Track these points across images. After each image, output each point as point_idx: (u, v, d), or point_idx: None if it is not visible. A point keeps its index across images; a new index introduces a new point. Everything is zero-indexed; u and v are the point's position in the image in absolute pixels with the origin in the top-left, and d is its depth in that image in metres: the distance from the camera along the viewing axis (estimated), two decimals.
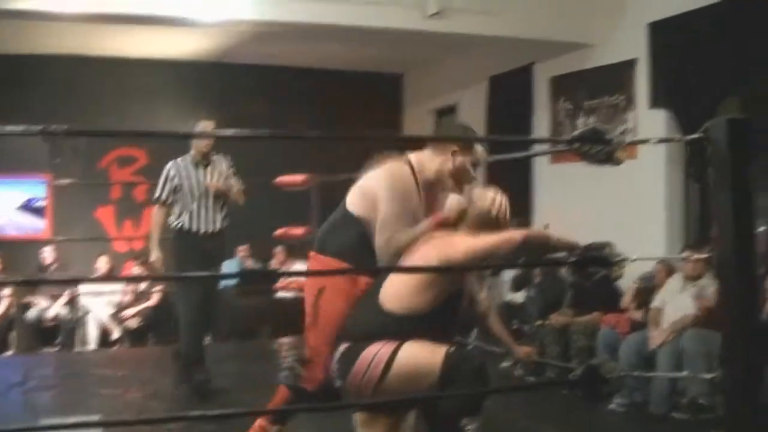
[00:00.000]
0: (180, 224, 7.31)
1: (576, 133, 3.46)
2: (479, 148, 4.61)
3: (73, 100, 11.15)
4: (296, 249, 11.19)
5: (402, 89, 13.59)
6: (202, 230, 7.31)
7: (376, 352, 4.02)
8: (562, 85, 10.31)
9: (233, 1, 8.15)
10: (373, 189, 4.41)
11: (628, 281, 8.28)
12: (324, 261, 4.46)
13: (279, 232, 7.76)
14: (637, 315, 8.04)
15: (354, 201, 4.47)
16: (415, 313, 4.10)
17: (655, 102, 8.71)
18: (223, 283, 10.96)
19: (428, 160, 4.51)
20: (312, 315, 4.43)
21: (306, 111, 11.71)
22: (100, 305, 10.74)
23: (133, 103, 11.56)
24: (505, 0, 9.10)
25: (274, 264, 11.67)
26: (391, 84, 13.36)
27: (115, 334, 10.71)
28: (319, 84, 12.29)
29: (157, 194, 7.40)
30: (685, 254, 7.73)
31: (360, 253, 4.36)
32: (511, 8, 9.14)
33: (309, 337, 4.45)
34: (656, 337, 7.37)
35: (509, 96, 10.92)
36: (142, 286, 10.99)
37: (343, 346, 4.10)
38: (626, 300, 8.31)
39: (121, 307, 10.85)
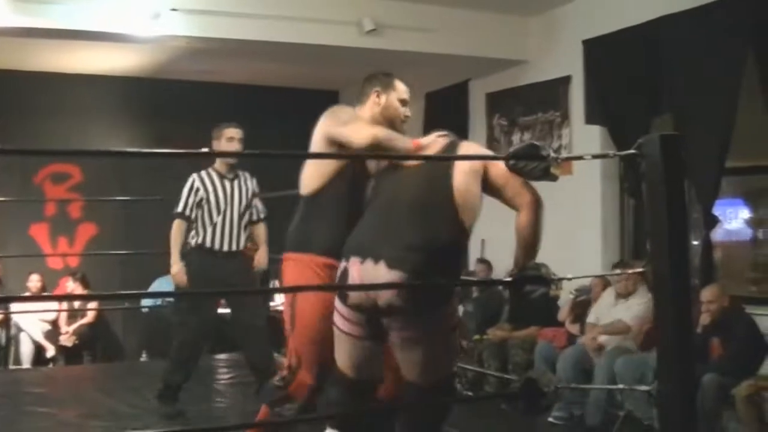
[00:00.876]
0: (199, 240, 6.90)
1: (512, 149, 3.49)
2: (400, 84, 4.60)
3: (6, 116, 11.00)
4: None
5: None
6: (225, 248, 6.90)
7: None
8: (497, 102, 10.39)
9: (168, 16, 8.10)
10: (314, 142, 4.43)
11: (564, 294, 8.37)
12: (303, 259, 4.41)
13: None
14: (574, 329, 8.12)
15: (304, 181, 4.47)
16: None
17: (590, 118, 8.79)
18: (160, 300, 10.89)
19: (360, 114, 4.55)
20: (289, 320, 4.40)
21: (242, 128, 11.65)
22: (34, 323, 10.58)
23: (67, 119, 11.42)
24: (440, 17, 9.16)
25: None
26: (327, 101, 13.16)
27: (50, 352, 10.56)
28: (256, 101, 12.24)
29: (179, 208, 6.91)
30: (617, 271, 7.83)
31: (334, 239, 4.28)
32: (446, 25, 9.21)
33: (290, 342, 4.41)
34: (593, 343, 7.46)
35: (445, 112, 10.97)
36: (77, 303, 10.86)
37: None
38: (563, 313, 8.39)
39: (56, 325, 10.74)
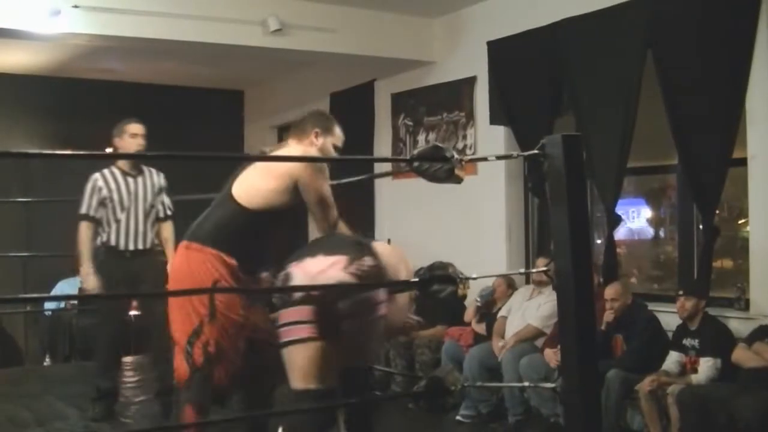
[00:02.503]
0: (104, 239, 6.71)
1: (416, 151, 3.49)
2: (338, 130, 4.93)
3: None
4: None
5: (243, 106, 13.54)
6: (131, 247, 6.73)
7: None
8: (402, 102, 10.41)
9: (69, 13, 7.95)
10: (276, 168, 4.57)
11: (470, 294, 8.44)
12: (208, 251, 4.54)
13: None
14: (480, 328, 8.18)
15: (251, 192, 4.59)
16: None
17: (494, 119, 8.85)
18: (63, 303, 10.72)
19: (294, 150, 4.79)
20: (206, 310, 4.47)
21: (145, 128, 11.53)
22: None
23: None
24: (345, 17, 9.15)
25: None
26: (232, 101, 13.29)
27: None
28: (159, 100, 12.12)
29: (83, 209, 6.68)
30: (521, 270, 7.91)
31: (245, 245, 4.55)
32: (351, 25, 9.20)
33: (207, 332, 4.48)
34: (500, 349, 7.52)
35: (350, 112, 10.94)
36: None
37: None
38: (469, 315, 8.44)
39: None
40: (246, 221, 4.57)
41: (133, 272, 6.69)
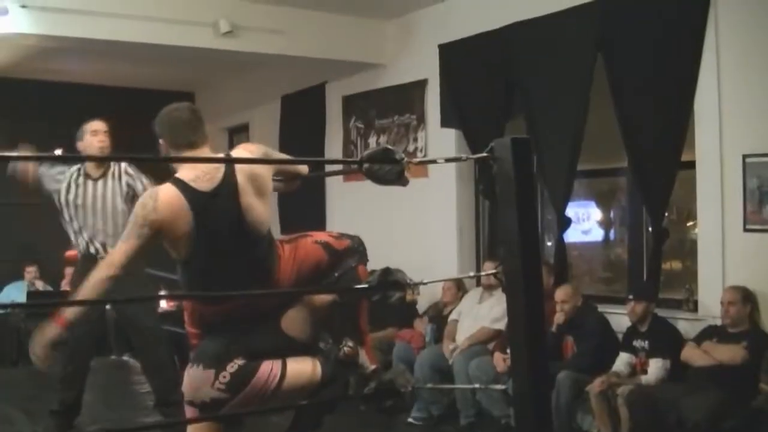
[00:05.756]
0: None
1: (366, 153, 3.48)
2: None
3: None
4: None
5: None
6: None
7: (270, 367, 4.03)
8: (354, 105, 10.40)
9: (17, 13, 7.86)
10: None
11: (421, 299, 8.47)
12: None
13: (70, 253, 7.46)
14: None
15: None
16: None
17: (445, 121, 8.86)
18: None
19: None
20: None
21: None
22: None
23: None
24: (297, 20, 9.13)
25: (63, 285, 11.36)
26: (182, 102, 13.20)
27: None
28: (109, 102, 11.97)
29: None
30: (471, 274, 7.94)
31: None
32: (303, 28, 9.18)
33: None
34: (451, 352, 7.55)
35: (302, 115, 10.96)
36: None
37: (240, 361, 3.97)
38: (419, 325, 8.47)
39: None
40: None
41: None
